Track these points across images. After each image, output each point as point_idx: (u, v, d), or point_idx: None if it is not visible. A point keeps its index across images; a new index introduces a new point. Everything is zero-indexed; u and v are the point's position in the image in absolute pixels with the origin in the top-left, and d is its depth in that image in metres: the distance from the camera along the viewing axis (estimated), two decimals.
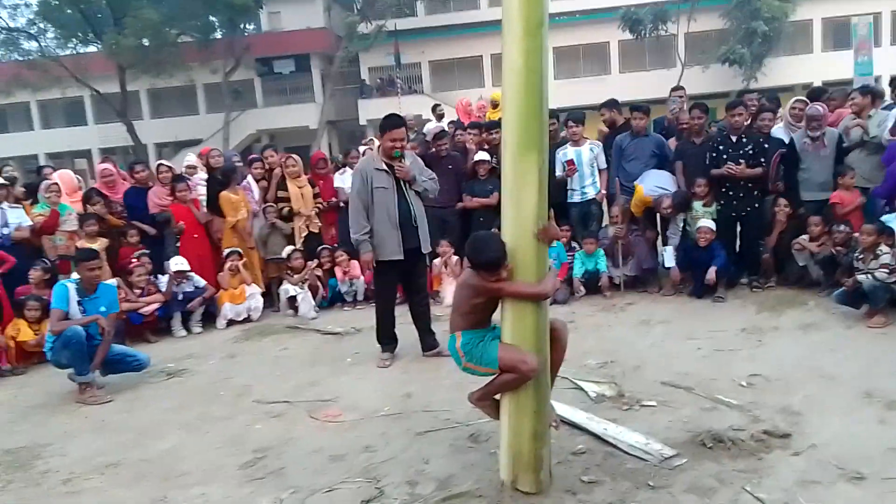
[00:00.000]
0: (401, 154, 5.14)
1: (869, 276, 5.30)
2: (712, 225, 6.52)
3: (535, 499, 3.05)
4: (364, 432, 4.01)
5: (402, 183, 5.17)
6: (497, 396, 3.20)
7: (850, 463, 3.16)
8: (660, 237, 7.31)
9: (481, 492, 3.15)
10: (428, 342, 5.46)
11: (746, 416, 3.80)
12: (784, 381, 4.27)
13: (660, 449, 3.41)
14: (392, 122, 5.14)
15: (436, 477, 3.36)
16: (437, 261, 7.04)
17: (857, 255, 5.50)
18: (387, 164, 5.12)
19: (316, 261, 7.38)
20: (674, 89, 8.07)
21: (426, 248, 5.43)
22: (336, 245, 7.78)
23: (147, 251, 7.00)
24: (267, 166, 7.96)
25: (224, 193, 7.29)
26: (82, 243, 6.61)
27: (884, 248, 5.32)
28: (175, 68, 26.15)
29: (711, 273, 6.30)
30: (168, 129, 31.06)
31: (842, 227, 5.97)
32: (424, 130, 10.48)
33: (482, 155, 7.23)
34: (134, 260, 6.79)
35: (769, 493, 2.97)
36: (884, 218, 5.85)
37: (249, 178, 7.82)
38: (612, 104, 7.76)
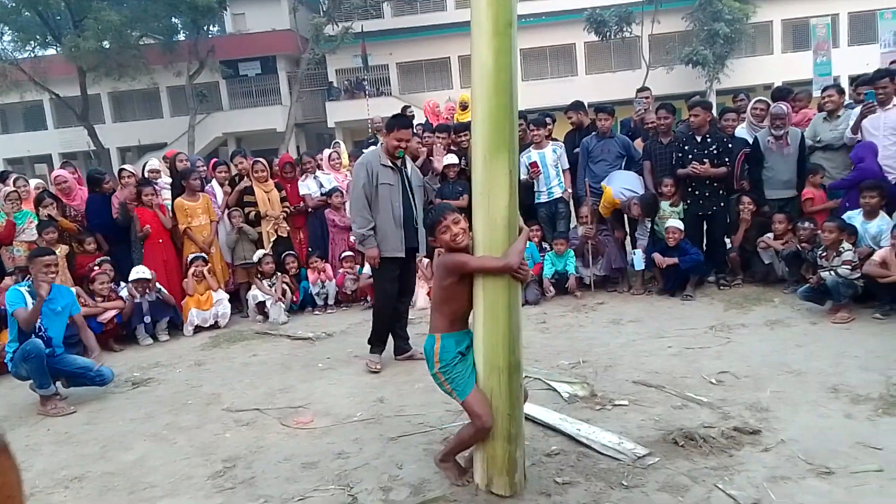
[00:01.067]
0: (403, 154, 5.11)
1: (832, 272, 5.41)
2: (680, 225, 6.62)
3: (509, 502, 3.04)
4: (336, 438, 3.96)
5: (406, 182, 5.13)
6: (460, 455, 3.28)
7: (819, 458, 3.21)
8: (628, 237, 7.38)
9: (455, 496, 3.13)
10: (401, 346, 5.43)
11: (717, 413, 3.84)
12: (752, 378, 4.33)
13: (633, 448, 3.43)
14: (400, 121, 5.10)
15: (409, 482, 3.33)
16: None
17: (820, 252, 5.61)
18: (392, 161, 5.06)
19: (280, 274, 7.28)
20: (640, 90, 8.18)
21: (423, 249, 5.39)
22: (309, 249, 7.71)
23: (108, 258, 6.83)
24: (236, 171, 7.85)
25: (178, 200, 7.16)
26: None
27: (846, 244, 5.44)
28: (137, 71, 25.63)
29: (659, 259, 6.49)
30: (131, 133, 30.49)
31: (806, 224, 6.09)
32: None
33: (451, 158, 7.22)
34: (95, 268, 6.63)
35: (740, 489, 3.00)
36: (846, 215, 5.99)
37: (214, 183, 7.69)
38: (577, 106, 7.84)
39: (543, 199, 7.26)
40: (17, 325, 4.91)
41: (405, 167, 5.20)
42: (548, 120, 7.57)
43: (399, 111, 11.17)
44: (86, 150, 27.54)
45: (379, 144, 5.33)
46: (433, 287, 3.28)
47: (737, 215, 6.71)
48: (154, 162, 7.89)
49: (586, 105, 8.01)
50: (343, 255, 7.42)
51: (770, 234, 6.44)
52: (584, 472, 3.27)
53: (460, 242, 3.06)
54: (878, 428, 3.50)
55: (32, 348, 4.76)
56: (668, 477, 3.16)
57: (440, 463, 3.27)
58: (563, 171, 7.26)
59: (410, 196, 5.17)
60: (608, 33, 27.41)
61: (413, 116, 11.24)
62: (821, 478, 3.05)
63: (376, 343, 5.33)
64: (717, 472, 3.18)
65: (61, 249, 6.58)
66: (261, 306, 7.16)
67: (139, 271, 6.66)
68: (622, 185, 6.86)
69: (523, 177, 7.04)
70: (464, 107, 10.05)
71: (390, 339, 5.42)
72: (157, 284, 6.76)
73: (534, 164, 7.04)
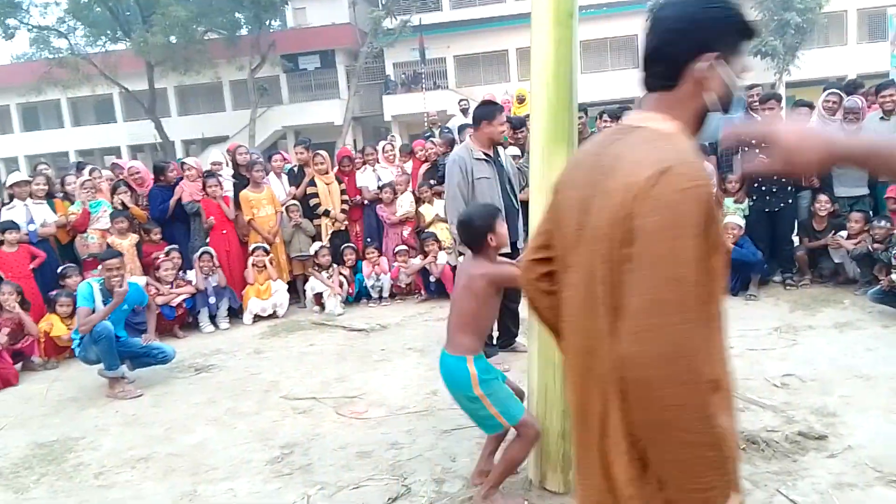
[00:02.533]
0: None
1: None
2: (741, 221, 6.42)
3: (562, 499, 3.02)
4: (390, 429, 4.00)
5: (503, 174, 4.98)
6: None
7: (887, 465, 3.08)
8: None
9: (508, 491, 3.12)
10: (507, 342, 5.24)
11: (780, 416, 3.72)
12: (819, 382, 4.17)
13: None
14: (497, 108, 5.01)
15: (462, 475, 3.34)
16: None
17: (894, 252, 5.35)
18: (486, 154, 4.89)
19: (336, 266, 7.38)
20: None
21: (522, 243, 5.14)
22: (367, 241, 7.80)
23: (176, 247, 7.07)
24: (297, 162, 8.01)
25: (243, 192, 7.34)
26: (113, 240, 6.70)
27: None
28: (202, 65, 26.38)
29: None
30: (195, 126, 31.38)
31: (882, 223, 5.82)
32: (449, 125, 10.49)
33: (513, 150, 7.17)
34: (162, 255, 6.87)
35: (804, 495, 2.90)
36: None
37: (272, 174, 7.84)
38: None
39: None
40: None
41: (499, 157, 5.02)
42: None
43: (457, 104, 11.26)
44: (152, 143, 28.52)
45: (468, 138, 5.20)
46: (459, 302, 2.97)
47: (811, 214, 6.44)
48: (216, 154, 8.12)
49: None
50: (397, 248, 7.48)
51: (843, 233, 6.17)
52: None
53: (504, 246, 2.97)
54: None
55: (103, 329, 4.96)
56: None
57: (484, 500, 2.97)
58: None
59: (509, 187, 5.01)
60: None
61: (467, 109, 11.28)
62: (889, 486, 2.93)
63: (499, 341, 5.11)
64: (779, 476, 3.08)
65: (131, 238, 6.84)
66: (318, 297, 7.28)
67: (205, 248, 6.93)
68: None
69: None
70: (521, 100, 9.98)
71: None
72: (217, 263, 6.98)
73: None
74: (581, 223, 1.37)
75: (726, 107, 1.37)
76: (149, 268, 6.92)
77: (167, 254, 6.90)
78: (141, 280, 6.11)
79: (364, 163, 8.17)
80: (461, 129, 7.52)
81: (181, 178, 7.35)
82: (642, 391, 1.21)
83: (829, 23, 27.32)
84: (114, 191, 7.17)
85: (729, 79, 1.35)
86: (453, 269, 7.20)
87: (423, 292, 7.34)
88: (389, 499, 3.17)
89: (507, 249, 4.91)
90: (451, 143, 7.73)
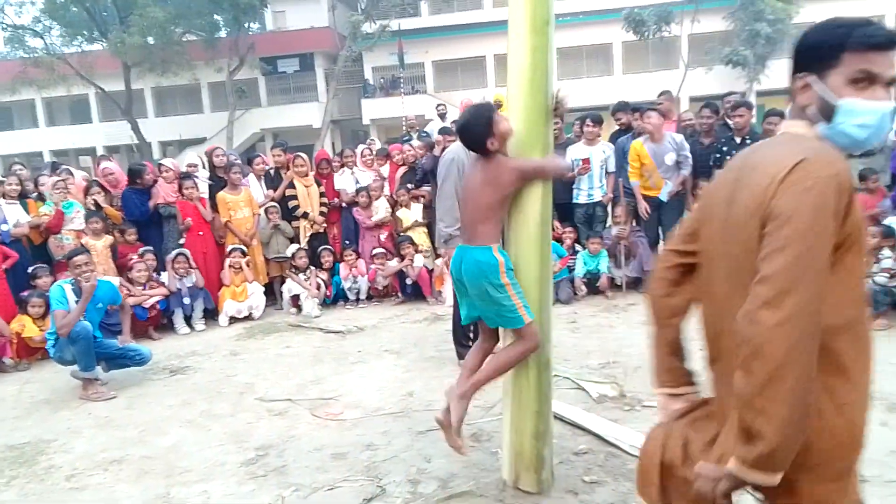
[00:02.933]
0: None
1: (870, 280, 5.30)
2: None
3: (536, 498, 3.06)
4: (366, 431, 4.02)
5: None
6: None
7: None
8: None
9: (483, 491, 3.16)
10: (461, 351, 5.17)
11: None
12: None
13: None
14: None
15: (437, 476, 3.37)
16: (439, 261, 7.05)
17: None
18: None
19: (314, 269, 7.38)
20: (661, 94, 8.03)
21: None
22: (345, 244, 7.82)
23: (150, 248, 7.02)
24: (274, 164, 8.00)
25: (220, 193, 7.32)
26: (87, 241, 6.64)
27: (886, 251, 5.31)
28: (180, 67, 26.21)
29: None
30: (172, 128, 31.13)
31: None
32: (427, 129, 10.54)
33: None
34: (135, 257, 6.81)
35: None
36: (888, 220, 5.85)
37: (251, 176, 7.83)
38: (624, 106, 7.75)
39: (582, 199, 7.18)
40: None
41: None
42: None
43: (434, 109, 11.31)
44: (128, 144, 28.22)
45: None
46: (484, 196, 2.92)
47: None
48: (192, 156, 8.08)
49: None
50: (374, 251, 7.50)
51: None
52: (612, 472, 3.27)
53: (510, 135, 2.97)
54: None
55: (81, 329, 4.92)
56: None
57: (458, 398, 3.03)
58: (609, 173, 7.18)
59: None
60: (646, 33, 27.08)
61: (445, 113, 11.33)
62: None
63: (462, 345, 5.09)
64: None
65: (105, 240, 6.78)
66: (295, 299, 7.28)
67: (179, 250, 6.89)
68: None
69: (571, 173, 7.03)
70: (498, 106, 10.04)
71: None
72: (193, 265, 6.94)
73: (586, 160, 6.98)
74: (727, 215, 1.58)
75: (828, 117, 1.54)
76: (123, 269, 6.85)
77: (141, 255, 6.84)
78: (114, 280, 6.04)
79: (342, 165, 8.18)
80: (441, 132, 7.56)
81: (156, 181, 7.30)
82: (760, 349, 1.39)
83: (799, 34, 27.81)
84: (87, 191, 7.09)
85: (824, 93, 1.53)
86: (430, 271, 7.26)
87: (399, 294, 7.37)
88: (364, 500, 3.19)
89: None
90: (430, 147, 7.78)
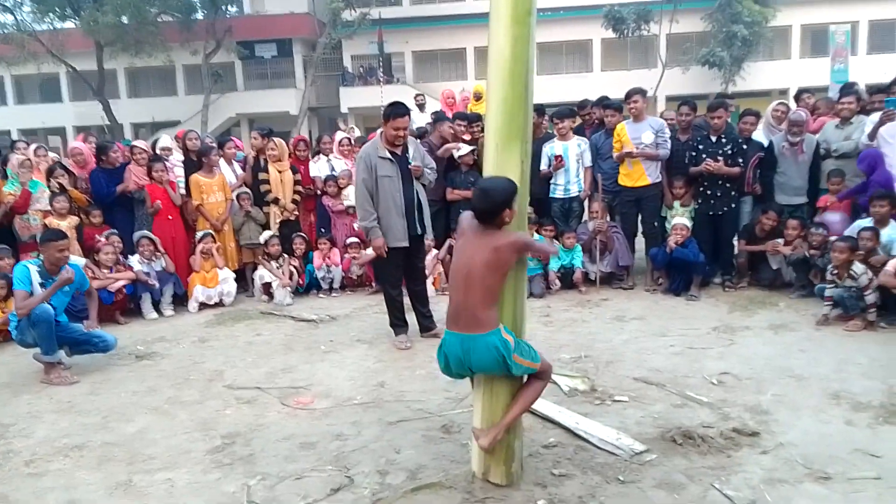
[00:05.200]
0: (403, 144, 5.22)
1: (840, 289, 5.40)
2: (688, 222, 6.59)
3: (505, 491, 3.05)
4: (336, 420, 3.98)
5: (408, 172, 5.23)
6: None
7: (817, 462, 3.21)
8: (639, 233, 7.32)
9: (452, 483, 3.14)
10: (425, 324, 5.56)
11: (716, 413, 3.84)
12: (754, 380, 4.32)
13: (630, 444, 3.43)
14: (397, 110, 5.15)
15: (406, 467, 3.35)
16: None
17: (832, 269, 5.54)
18: (391, 153, 5.15)
19: (287, 256, 7.29)
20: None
21: (430, 234, 5.56)
22: (320, 232, 7.73)
23: (115, 231, 6.86)
24: (250, 148, 7.86)
25: (194, 176, 7.18)
26: (51, 221, 6.47)
27: (858, 266, 5.35)
28: (154, 48, 25.72)
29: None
30: (145, 110, 30.58)
31: (820, 230, 6.04)
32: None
33: (465, 148, 7.20)
34: (102, 239, 6.66)
35: (737, 490, 3.00)
36: (857, 224, 5.94)
37: (222, 160, 7.66)
38: (602, 101, 7.70)
39: (559, 194, 7.19)
40: None
41: (406, 153, 5.27)
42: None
43: (413, 99, 11.24)
44: (100, 125, 27.66)
45: (378, 134, 5.33)
46: (486, 277, 2.86)
47: (755, 220, 6.62)
48: (166, 139, 7.89)
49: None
50: (349, 240, 7.43)
51: (780, 240, 6.39)
52: (581, 466, 3.28)
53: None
54: (878, 436, 3.49)
55: (42, 312, 4.80)
56: (664, 474, 3.17)
57: (492, 443, 2.97)
58: (585, 168, 7.18)
59: (412, 183, 5.26)
60: (626, 30, 27.27)
61: (424, 104, 11.26)
62: (818, 482, 3.05)
63: (396, 325, 5.48)
64: (714, 471, 3.18)
65: (70, 220, 6.61)
66: (266, 287, 7.18)
67: (143, 233, 6.75)
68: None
69: (543, 168, 7.03)
70: (478, 97, 10.02)
71: (387, 325, 5.53)
72: (161, 249, 6.80)
73: (558, 157, 6.99)
74: None
75: None
76: (89, 252, 6.69)
77: (107, 238, 6.68)
78: (80, 262, 5.90)
79: (318, 153, 8.08)
80: (437, 119, 7.54)
81: (127, 163, 7.14)
82: None
83: (775, 36, 28.27)
84: (50, 173, 6.86)
85: None
86: None
87: (373, 284, 7.31)
88: (332, 489, 3.16)
89: (406, 244, 5.18)
90: (416, 137, 7.70)
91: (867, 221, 5.84)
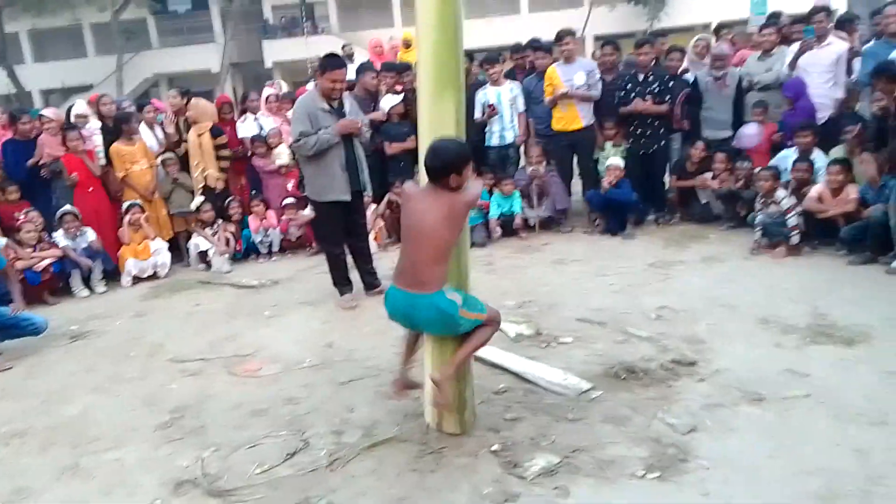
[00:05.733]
0: (339, 97, 5.09)
1: (762, 213, 5.64)
2: (621, 163, 6.70)
3: (459, 439, 3.11)
4: (286, 385, 3.95)
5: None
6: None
7: (751, 385, 3.39)
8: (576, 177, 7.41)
9: (407, 436, 3.19)
10: (370, 281, 5.51)
11: (656, 346, 3.99)
12: (689, 312, 4.50)
13: (576, 383, 3.54)
14: (333, 62, 4.99)
15: (361, 424, 3.37)
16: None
17: (759, 199, 5.77)
18: (329, 103, 5.01)
19: (222, 222, 7.08)
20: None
21: (369, 190, 5.47)
22: (251, 193, 7.52)
23: (33, 208, 6.51)
24: (171, 111, 7.51)
25: (115, 145, 6.84)
26: None
27: (781, 192, 5.59)
28: (58, 6, 24.07)
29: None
30: (54, 74, 28.74)
31: (745, 164, 6.24)
32: None
33: (394, 99, 7.08)
34: (21, 217, 6.31)
35: (678, 418, 3.14)
36: (781, 154, 6.17)
37: (143, 125, 7.32)
38: (531, 46, 7.64)
39: (495, 141, 7.17)
40: None
41: (342, 107, 5.16)
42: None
43: (340, 49, 10.92)
44: (5, 94, 25.93)
45: (313, 86, 5.17)
46: (442, 233, 2.84)
47: (686, 156, 6.79)
48: (81, 105, 7.45)
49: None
50: (285, 202, 7.26)
51: (709, 174, 6.59)
52: (531, 408, 3.37)
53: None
54: (806, 355, 3.71)
55: None
56: (610, 409, 3.29)
57: (453, 374, 2.99)
58: (519, 113, 7.16)
59: (351, 139, 5.16)
60: None
61: (352, 54, 10.96)
62: (753, 404, 3.23)
63: (339, 284, 5.41)
64: (656, 402, 3.32)
65: None
66: (203, 255, 6.99)
67: (67, 208, 6.42)
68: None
69: (478, 116, 6.97)
70: (407, 45, 9.84)
71: (331, 286, 5.47)
72: (85, 228, 6.50)
73: (491, 106, 6.94)
74: None
75: None
76: (8, 231, 6.34)
77: (26, 215, 6.34)
78: (1, 240, 5.60)
79: (244, 111, 7.79)
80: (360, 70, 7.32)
81: (40, 133, 6.74)
82: None
83: None
84: None
85: None
86: None
87: (313, 245, 7.20)
88: (287, 454, 3.15)
89: (348, 198, 5.09)
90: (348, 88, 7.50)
91: (792, 151, 6.07)
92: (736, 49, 7.39)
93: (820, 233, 5.61)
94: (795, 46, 6.48)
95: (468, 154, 2.90)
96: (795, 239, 5.52)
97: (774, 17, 7.34)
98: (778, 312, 4.34)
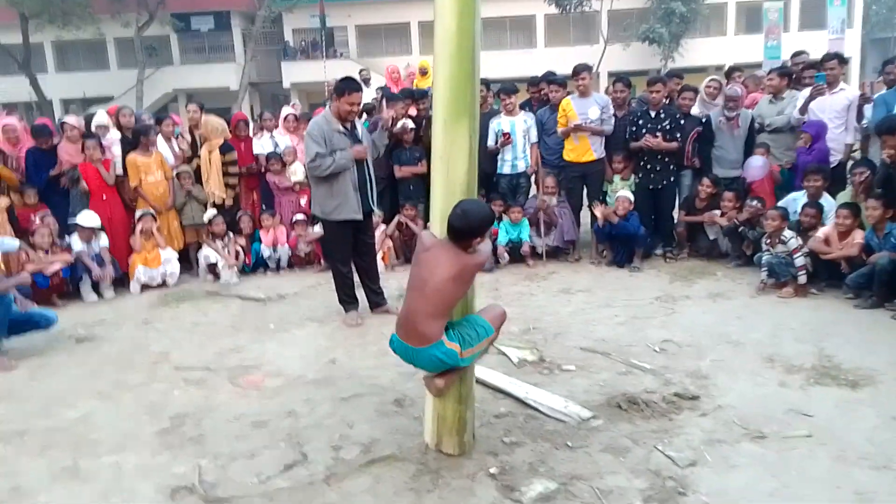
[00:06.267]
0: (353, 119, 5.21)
1: (769, 251, 5.65)
2: (630, 195, 6.74)
3: (458, 460, 3.11)
4: (288, 398, 3.96)
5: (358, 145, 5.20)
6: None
7: (753, 423, 3.38)
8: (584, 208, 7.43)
9: (405, 455, 3.19)
10: (376, 301, 5.56)
11: (659, 379, 3.98)
12: (694, 347, 4.49)
13: (578, 411, 3.54)
14: (351, 85, 5.10)
15: (360, 441, 3.38)
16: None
17: (765, 238, 5.79)
18: (343, 125, 5.12)
19: (233, 235, 7.14)
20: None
21: (378, 210, 5.58)
22: (262, 207, 7.59)
23: (48, 213, 6.59)
24: (189, 125, 7.62)
25: (130, 155, 6.93)
26: None
27: (787, 233, 5.61)
28: (83, 20, 24.53)
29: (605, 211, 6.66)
30: (76, 85, 29.20)
31: (754, 203, 6.26)
32: None
33: (408, 123, 7.17)
34: (37, 221, 6.39)
35: (679, 451, 3.13)
36: (790, 196, 6.19)
37: (160, 138, 7.42)
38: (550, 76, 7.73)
39: (506, 170, 7.22)
40: None
41: (356, 128, 5.28)
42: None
43: (357, 74, 11.08)
44: (27, 101, 26.34)
45: (327, 108, 5.26)
46: (449, 292, 2.89)
47: (694, 192, 6.83)
48: (102, 116, 7.56)
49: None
50: (295, 218, 7.33)
51: (717, 211, 6.61)
52: (531, 434, 3.36)
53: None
54: (810, 396, 3.69)
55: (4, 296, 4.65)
56: (610, 439, 3.28)
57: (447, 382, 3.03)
58: (532, 144, 7.23)
59: (365, 159, 5.25)
60: (568, 6, 27.41)
61: (369, 79, 11.12)
62: (754, 442, 3.21)
63: (346, 302, 5.45)
64: (657, 434, 3.31)
65: (2, 201, 6.32)
66: (212, 267, 7.04)
67: (85, 217, 6.48)
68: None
69: (490, 144, 7.03)
70: (423, 72, 9.97)
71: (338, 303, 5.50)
72: (103, 235, 6.57)
73: (506, 135, 7.00)
74: None
75: None
76: (23, 233, 6.41)
77: (41, 219, 6.42)
78: (14, 243, 5.65)
79: (261, 129, 7.90)
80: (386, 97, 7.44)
81: (59, 141, 6.85)
82: None
83: (711, 14, 28.88)
84: None
85: None
86: None
87: (321, 262, 7.24)
88: (285, 466, 3.16)
89: (360, 217, 5.15)
90: (366, 112, 7.62)
91: (801, 195, 6.09)
92: (748, 92, 7.47)
93: (827, 274, 5.61)
94: (807, 91, 6.55)
95: (493, 218, 2.98)
96: (803, 279, 5.53)
97: (798, 56, 7.48)
98: (783, 351, 4.33)
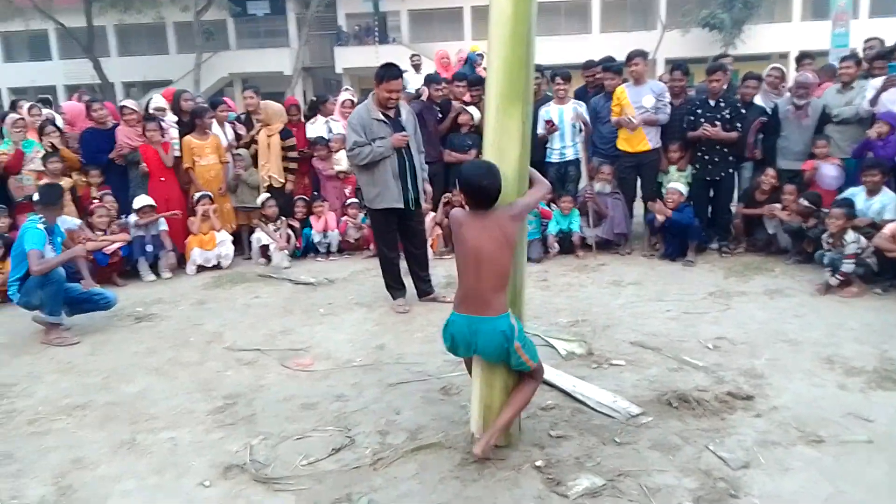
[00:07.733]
0: (395, 107, 5.17)
1: (831, 254, 5.43)
2: (683, 188, 6.58)
3: (503, 451, 3.10)
4: (336, 382, 4.02)
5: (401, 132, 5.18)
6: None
7: (809, 426, 3.27)
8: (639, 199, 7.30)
9: (451, 443, 3.20)
10: (424, 289, 5.56)
11: (711, 377, 3.89)
12: (749, 345, 4.37)
13: (626, 407, 3.48)
14: (390, 72, 5.08)
15: (406, 427, 3.40)
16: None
17: (826, 237, 5.57)
18: (384, 115, 5.10)
19: (284, 219, 7.25)
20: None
21: (424, 198, 5.56)
22: (314, 194, 7.69)
23: (109, 192, 6.81)
24: (243, 109, 7.76)
25: (186, 138, 7.09)
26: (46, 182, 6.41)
27: (850, 235, 5.37)
28: (144, 4, 25.20)
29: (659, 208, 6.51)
30: (136, 68, 30.06)
31: (803, 202, 6.03)
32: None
33: (470, 109, 7.14)
34: (96, 200, 6.61)
35: (731, 451, 3.06)
36: (848, 191, 5.93)
37: (214, 122, 7.56)
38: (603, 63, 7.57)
39: (555, 158, 7.13)
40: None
41: (399, 116, 5.23)
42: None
43: (409, 59, 11.08)
44: (90, 84, 27.22)
45: (370, 96, 5.26)
46: (501, 260, 2.87)
47: (755, 184, 6.62)
48: (159, 99, 7.77)
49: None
50: (348, 202, 7.40)
51: (778, 205, 6.39)
52: (578, 427, 3.33)
53: None
54: (870, 400, 3.55)
55: (55, 272, 4.83)
56: (659, 436, 3.22)
57: (498, 434, 3.02)
58: (580, 132, 7.10)
59: (406, 147, 5.20)
60: None
61: (420, 65, 11.10)
62: (810, 445, 3.11)
63: (393, 288, 5.48)
64: (708, 433, 3.24)
65: (65, 182, 6.56)
66: (264, 249, 7.17)
67: (142, 199, 6.68)
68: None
69: (540, 131, 6.94)
70: (479, 56, 9.90)
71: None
72: (161, 220, 6.75)
73: (549, 122, 6.92)
74: None
75: None
76: (86, 213, 6.65)
77: (101, 199, 6.64)
78: (75, 222, 5.87)
79: (317, 113, 7.99)
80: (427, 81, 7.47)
81: (117, 124, 7.06)
82: None
83: None
84: (40, 131, 6.79)
85: None
86: None
87: (371, 248, 7.30)
88: (333, 449, 3.21)
89: (401, 205, 5.14)
90: (414, 98, 7.62)
91: (860, 190, 5.84)
92: (820, 81, 7.16)
93: (892, 273, 5.37)
94: (878, 82, 6.25)
95: (492, 169, 2.92)
96: (849, 267, 5.29)
97: (869, 42, 7.16)
98: (843, 353, 4.18)
